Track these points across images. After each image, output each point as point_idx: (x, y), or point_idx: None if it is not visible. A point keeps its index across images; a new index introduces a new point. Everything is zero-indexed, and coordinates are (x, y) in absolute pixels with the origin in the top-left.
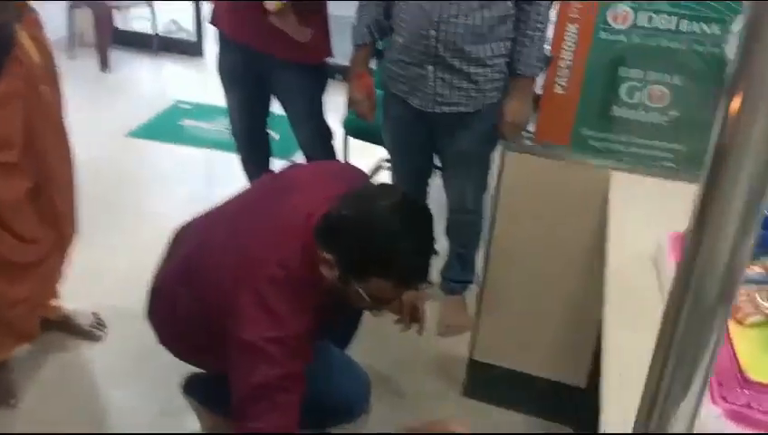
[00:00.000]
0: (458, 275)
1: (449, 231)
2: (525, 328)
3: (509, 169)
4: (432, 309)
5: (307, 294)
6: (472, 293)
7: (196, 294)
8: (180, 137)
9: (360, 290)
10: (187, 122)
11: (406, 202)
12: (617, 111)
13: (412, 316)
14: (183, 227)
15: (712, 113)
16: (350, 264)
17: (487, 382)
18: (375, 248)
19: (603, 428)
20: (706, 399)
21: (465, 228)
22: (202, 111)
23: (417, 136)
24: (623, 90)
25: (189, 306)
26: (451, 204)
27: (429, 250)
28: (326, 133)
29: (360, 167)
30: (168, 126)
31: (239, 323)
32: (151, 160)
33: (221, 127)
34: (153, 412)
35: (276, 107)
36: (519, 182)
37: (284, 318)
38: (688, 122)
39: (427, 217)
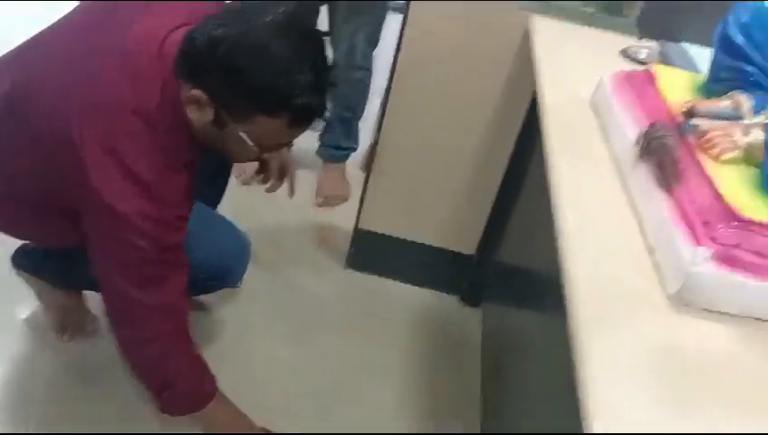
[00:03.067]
0: (341, 142)
1: (333, 91)
2: (418, 195)
3: (415, 14)
4: (310, 178)
5: (175, 147)
6: (352, 159)
7: (17, 151)
8: None
9: (243, 134)
10: None
11: (292, 20)
12: None
13: (280, 175)
14: None
15: None
16: (230, 99)
17: (373, 252)
18: (266, 79)
19: (566, 273)
20: (690, 242)
21: (353, 88)
22: None
23: None
24: None
25: (5, 168)
26: (338, 58)
27: (326, 80)
28: None
29: None
30: None
31: (100, 191)
32: None
33: None
34: None
35: None
36: (427, 23)
37: (153, 186)
38: None
39: (320, 40)
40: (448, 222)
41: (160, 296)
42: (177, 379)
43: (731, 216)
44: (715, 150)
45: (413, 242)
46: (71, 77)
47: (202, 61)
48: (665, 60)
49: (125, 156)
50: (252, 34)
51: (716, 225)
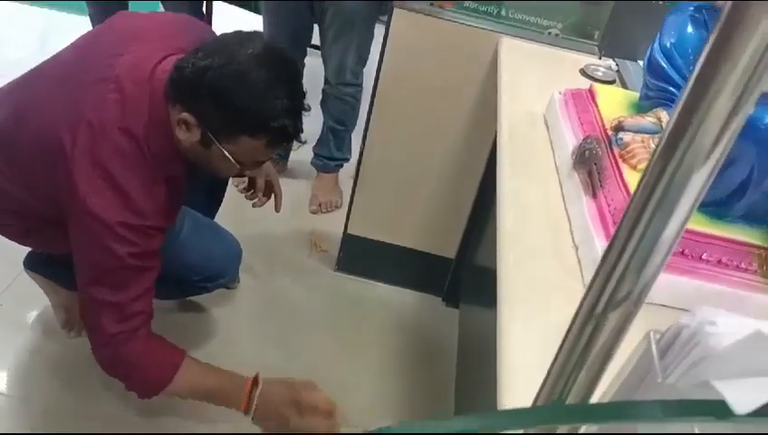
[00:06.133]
0: (333, 153)
1: (326, 106)
2: (401, 203)
3: (397, 29)
4: (304, 186)
5: (160, 163)
6: (345, 168)
7: (17, 167)
8: None
9: (227, 153)
10: None
11: (272, 51)
12: None
13: (267, 191)
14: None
15: None
16: (217, 122)
17: (361, 256)
18: (248, 103)
19: (500, 265)
20: (603, 239)
21: (344, 103)
22: None
23: None
24: None
25: (10, 183)
26: (329, 76)
27: (302, 104)
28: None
29: None
30: None
31: (85, 199)
32: None
33: None
34: None
35: None
36: (406, 43)
37: (137, 198)
38: None
39: (296, 69)
40: (430, 228)
41: (128, 295)
42: (135, 368)
43: None
44: (634, 160)
45: (398, 246)
46: (63, 99)
47: (191, 87)
48: (621, 77)
49: (112, 169)
50: (235, 64)
51: None
